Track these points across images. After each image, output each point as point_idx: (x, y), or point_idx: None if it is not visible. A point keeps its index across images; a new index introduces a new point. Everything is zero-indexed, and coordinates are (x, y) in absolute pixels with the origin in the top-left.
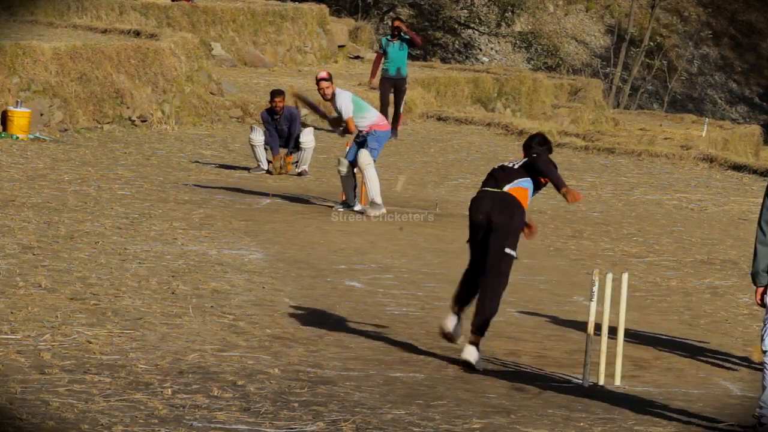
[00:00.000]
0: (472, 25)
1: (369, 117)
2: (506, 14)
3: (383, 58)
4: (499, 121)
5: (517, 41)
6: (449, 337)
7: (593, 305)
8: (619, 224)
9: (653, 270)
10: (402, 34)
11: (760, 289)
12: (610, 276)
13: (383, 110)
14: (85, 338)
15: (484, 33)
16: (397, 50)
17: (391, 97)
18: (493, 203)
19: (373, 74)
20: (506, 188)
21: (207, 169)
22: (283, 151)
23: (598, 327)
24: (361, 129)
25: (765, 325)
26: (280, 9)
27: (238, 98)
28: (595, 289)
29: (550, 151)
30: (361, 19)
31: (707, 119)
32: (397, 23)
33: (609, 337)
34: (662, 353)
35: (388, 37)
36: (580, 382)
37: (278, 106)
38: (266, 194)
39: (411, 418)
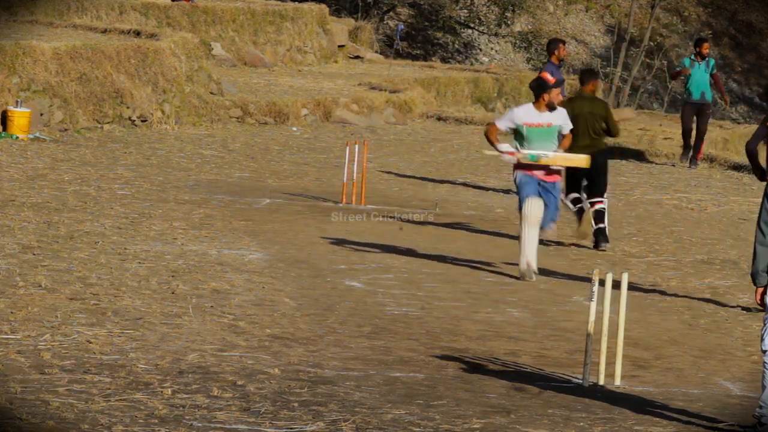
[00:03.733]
0: (472, 25)
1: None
2: (506, 14)
3: (684, 78)
4: None
5: (517, 41)
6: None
7: (593, 305)
8: (619, 224)
9: (653, 270)
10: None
11: (760, 289)
12: (610, 276)
13: (685, 138)
14: (85, 338)
15: (484, 33)
16: (702, 72)
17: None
18: None
19: (675, 77)
20: None
21: (207, 169)
22: None
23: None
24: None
25: (765, 325)
26: (280, 9)
27: (238, 98)
28: (595, 289)
29: None
30: (361, 19)
31: None
32: (706, 45)
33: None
34: (662, 353)
35: (692, 57)
36: (580, 382)
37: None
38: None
39: (411, 418)
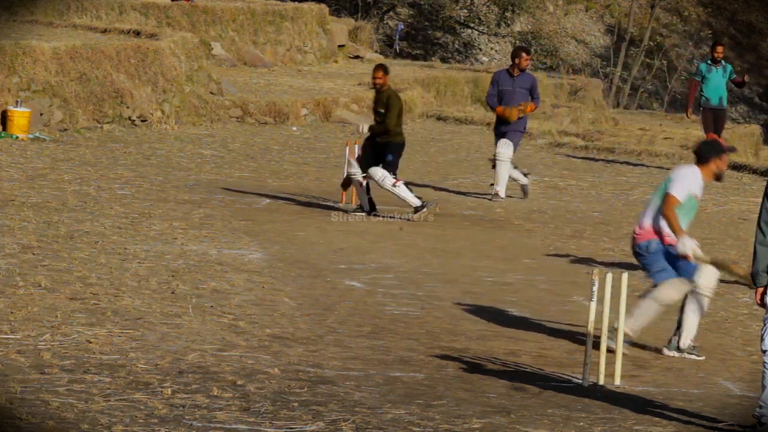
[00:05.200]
0: (472, 25)
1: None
2: (506, 14)
3: (701, 86)
4: None
5: (517, 41)
6: None
7: (593, 305)
8: (619, 224)
9: None
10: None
11: (760, 289)
12: (610, 276)
13: None
14: (84, 338)
15: (483, 33)
16: (720, 77)
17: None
18: None
19: (690, 104)
20: None
21: (207, 169)
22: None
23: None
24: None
25: (765, 324)
26: (280, 9)
27: (238, 98)
28: (595, 289)
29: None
30: (361, 18)
31: None
32: (720, 48)
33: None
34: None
35: (708, 62)
36: (580, 382)
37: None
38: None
39: (411, 418)
